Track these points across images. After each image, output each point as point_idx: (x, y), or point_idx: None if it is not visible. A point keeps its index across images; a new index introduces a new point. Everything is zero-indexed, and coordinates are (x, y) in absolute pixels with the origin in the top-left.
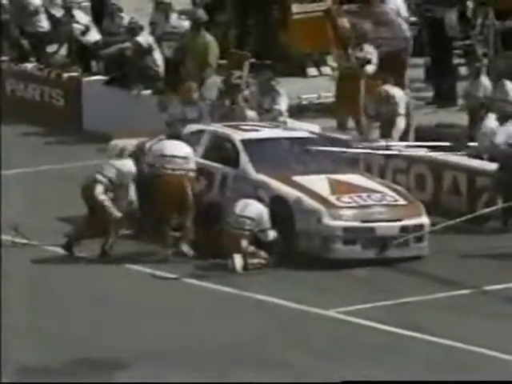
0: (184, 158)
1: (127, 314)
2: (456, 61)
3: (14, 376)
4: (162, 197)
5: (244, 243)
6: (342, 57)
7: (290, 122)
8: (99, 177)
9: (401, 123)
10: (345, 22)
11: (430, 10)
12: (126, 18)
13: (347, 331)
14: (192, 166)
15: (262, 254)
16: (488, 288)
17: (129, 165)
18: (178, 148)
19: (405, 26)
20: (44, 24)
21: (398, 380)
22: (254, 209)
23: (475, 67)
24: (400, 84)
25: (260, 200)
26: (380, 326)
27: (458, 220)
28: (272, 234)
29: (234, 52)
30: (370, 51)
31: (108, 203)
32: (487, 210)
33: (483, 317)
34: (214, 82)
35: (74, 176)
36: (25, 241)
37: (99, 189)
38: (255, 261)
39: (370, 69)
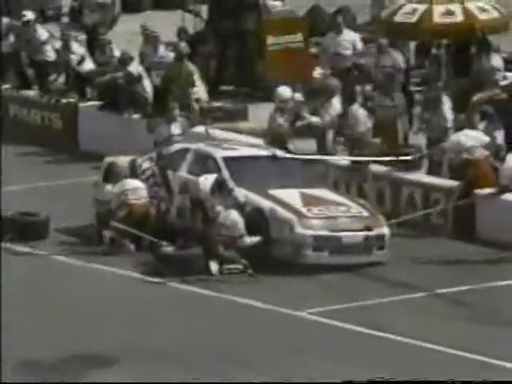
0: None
1: (117, 314)
2: (412, 88)
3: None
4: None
5: (220, 248)
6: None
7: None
8: None
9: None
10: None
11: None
12: (115, 50)
13: (317, 330)
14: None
15: (239, 259)
16: (441, 291)
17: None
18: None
19: (400, 60)
20: (51, 54)
21: (371, 380)
22: (229, 217)
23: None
24: None
25: (241, 210)
26: (346, 325)
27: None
28: (249, 240)
29: None
30: (337, 107)
31: None
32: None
33: (436, 317)
34: None
35: (71, 191)
36: (28, 249)
37: None
38: (232, 266)
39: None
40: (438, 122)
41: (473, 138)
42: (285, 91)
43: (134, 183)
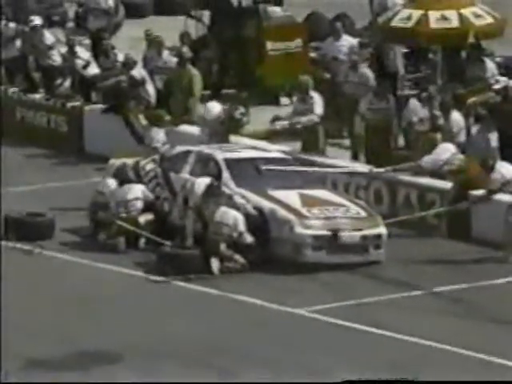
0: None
1: (122, 312)
2: (406, 92)
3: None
4: None
5: (222, 247)
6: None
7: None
8: None
9: None
10: None
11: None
12: (118, 55)
13: (316, 328)
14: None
15: (239, 258)
16: (436, 290)
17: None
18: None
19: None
20: (57, 58)
21: (365, 379)
22: (230, 216)
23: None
24: None
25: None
26: (344, 323)
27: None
28: (249, 238)
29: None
30: (317, 101)
31: None
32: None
33: (432, 314)
34: None
35: (77, 192)
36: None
37: None
38: (231, 265)
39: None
40: (450, 126)
41: (447, 150)
42: (214, 108)
43: (130, 194)
